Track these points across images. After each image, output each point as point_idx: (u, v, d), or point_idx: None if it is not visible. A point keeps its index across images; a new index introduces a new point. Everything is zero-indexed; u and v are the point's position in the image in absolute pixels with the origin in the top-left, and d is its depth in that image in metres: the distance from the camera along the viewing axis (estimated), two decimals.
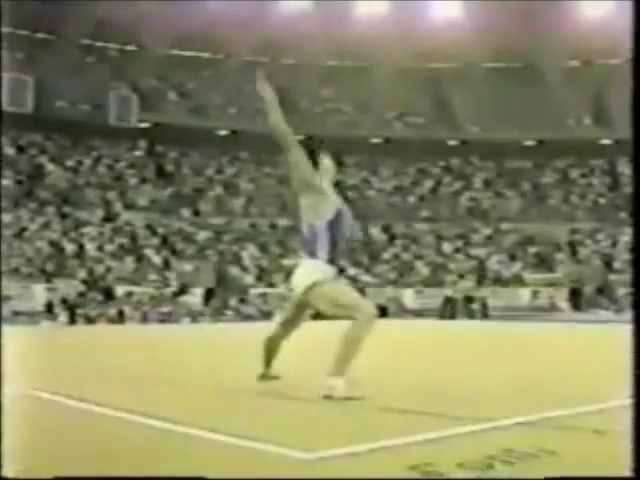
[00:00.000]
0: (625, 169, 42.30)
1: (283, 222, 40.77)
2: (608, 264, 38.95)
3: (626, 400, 4.01)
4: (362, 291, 35.11)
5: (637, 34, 4.18)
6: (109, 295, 30.14)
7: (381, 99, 47.93)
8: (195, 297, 32.13)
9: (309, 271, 6.49)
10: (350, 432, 4.61)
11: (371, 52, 48.48)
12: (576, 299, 35.64)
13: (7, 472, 3.45)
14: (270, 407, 5.84)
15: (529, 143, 47.57)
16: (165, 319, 28.14)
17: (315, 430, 4.75)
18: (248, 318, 28.70)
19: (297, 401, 6.06)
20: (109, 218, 38.36)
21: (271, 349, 6.77)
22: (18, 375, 7.14)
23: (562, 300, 35.84)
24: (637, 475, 3.31)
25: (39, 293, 30.01)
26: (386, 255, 40.48)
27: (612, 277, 36.84)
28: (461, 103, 48.39)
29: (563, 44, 47.95)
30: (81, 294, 29.55)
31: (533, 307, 35.17)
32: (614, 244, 39.98)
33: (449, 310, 29.52)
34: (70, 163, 42.01)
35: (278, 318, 7.07)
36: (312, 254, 6.47)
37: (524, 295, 36.81)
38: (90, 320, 26.87)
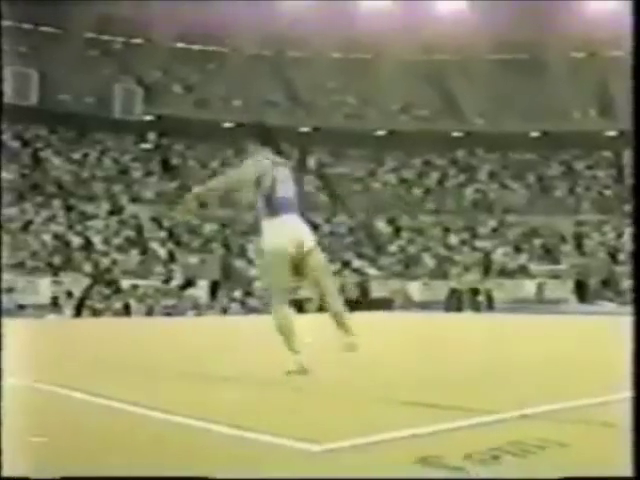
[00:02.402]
0: (630, 161, 42.17)
1: None
2: (613, 256, 38.88)
3: (632, 392, 4.01)
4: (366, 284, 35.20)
5: (637, 32, 4.18)
6: (115, 288, 30.17)
7: (386, 91, 47.87)
8: (200, 290, 32.13)
9: (309, 230, 6.95)
10: (357, 424, 4.61)
11: (376, 44, 48.46)
12: (581, 291, 35.59)
13: (7, 471, 3.43)
14: (276, 399, 5.84)
15: (534, 135, 47.50)
16: (170, 312, 28.16)
17: (322, 422, 4.74)
18: (253, 311, 28.70)
19: (303, 393, 6.06)
20: (115, 211, 38.39)
21: (289, 327, 6.81)
22: (25, 368, 7.15)
23: (567, 292, 35.80)
24: (637, 475, 3.30)
25: (45, 286, 30.04)
26: (392, 247, 40.49)
27: (617, 269, 36.78)
28: (466, 95, 48.33)
29: (567, 36, 47.85)
30: (87, 287, 29.57)
31: (538, 299, 35.12)
32: (619, 236, 39.90)
33: (455, 302, 29.51)
34: (75, 156, 42.03)
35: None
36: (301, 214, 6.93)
37: (529, 287, 36.75)
38: (96, 313, 26.90)
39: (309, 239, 6.80)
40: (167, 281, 32.14)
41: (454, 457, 3.64)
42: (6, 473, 3.37)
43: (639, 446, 3.44)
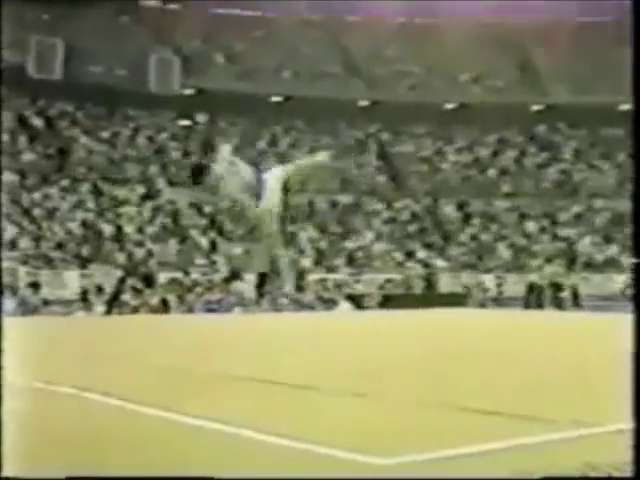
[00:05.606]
0: None
1: (344, 199, 40.79)
2: None
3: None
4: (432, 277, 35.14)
5: (637, 30, 4.20)
6: (150, 282, 30.34)
7: (455, 60, 47.62)
8: (247, 283, 32.20)
9: None
10: (431, 436, 4.57)
11: (444, 7, 48.16)
12: None
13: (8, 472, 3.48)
14: (343, 408, 5.80)
15: (624, 108, 46.96)
16: (213, 308, 28.24)
17: (393, 434, 4.71)
18: (306, 307, 28.72)
19: (368, 400, 6.02)
20: (150, 196, 38.64)
21: None
22: (42, 369, 7.19)
23: None
24: (637, 475, 3.44)
25: (72, 280, 30.30)
26: (462, 236, 40.37)
27: None
28: (547, 63, 47.99)
29: None
30: (119, 281, 29.78)
31: (629, 295, 34.79)
32: None
33: (535, 299, 29.32)
34: (105, 135, 42.34)
35: None
36: None
37: (620, 282, 36.40)
38: (130, 309, 27.06)
39: None
40: (209, 274, 32.28)
41: (540, 475, 3.58)
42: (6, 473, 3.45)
43: (639, 446, 3.62)
